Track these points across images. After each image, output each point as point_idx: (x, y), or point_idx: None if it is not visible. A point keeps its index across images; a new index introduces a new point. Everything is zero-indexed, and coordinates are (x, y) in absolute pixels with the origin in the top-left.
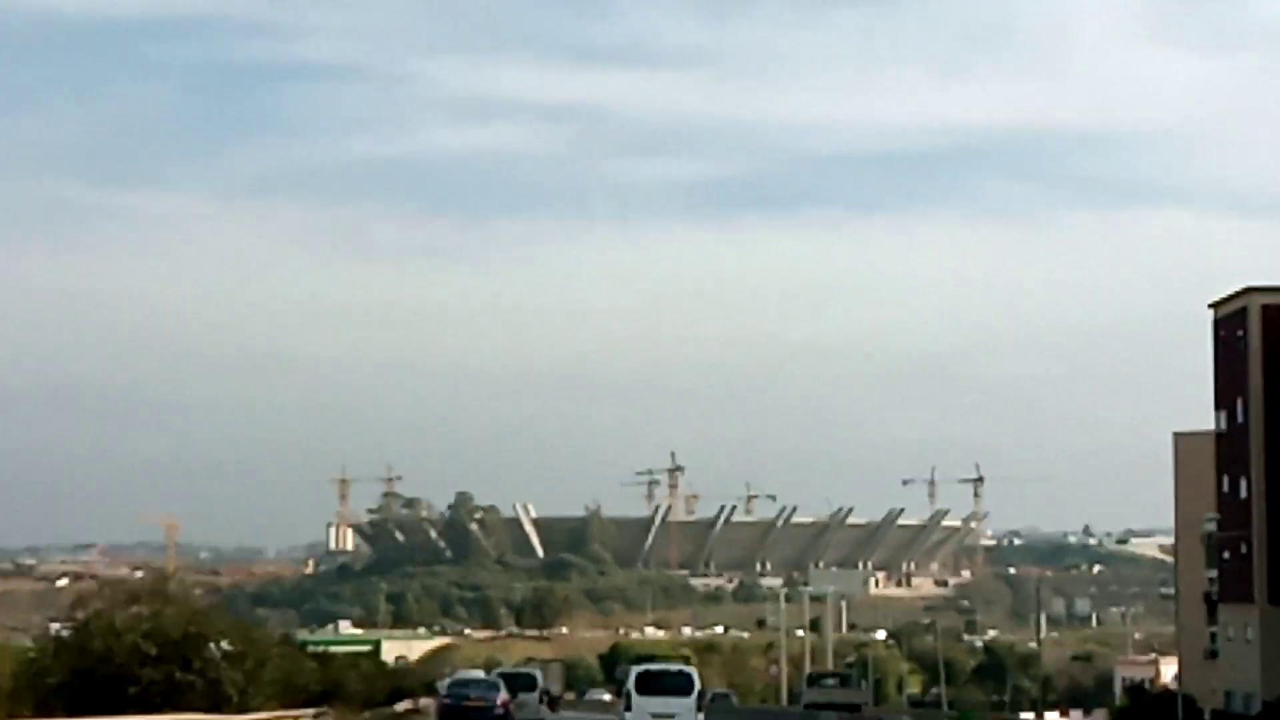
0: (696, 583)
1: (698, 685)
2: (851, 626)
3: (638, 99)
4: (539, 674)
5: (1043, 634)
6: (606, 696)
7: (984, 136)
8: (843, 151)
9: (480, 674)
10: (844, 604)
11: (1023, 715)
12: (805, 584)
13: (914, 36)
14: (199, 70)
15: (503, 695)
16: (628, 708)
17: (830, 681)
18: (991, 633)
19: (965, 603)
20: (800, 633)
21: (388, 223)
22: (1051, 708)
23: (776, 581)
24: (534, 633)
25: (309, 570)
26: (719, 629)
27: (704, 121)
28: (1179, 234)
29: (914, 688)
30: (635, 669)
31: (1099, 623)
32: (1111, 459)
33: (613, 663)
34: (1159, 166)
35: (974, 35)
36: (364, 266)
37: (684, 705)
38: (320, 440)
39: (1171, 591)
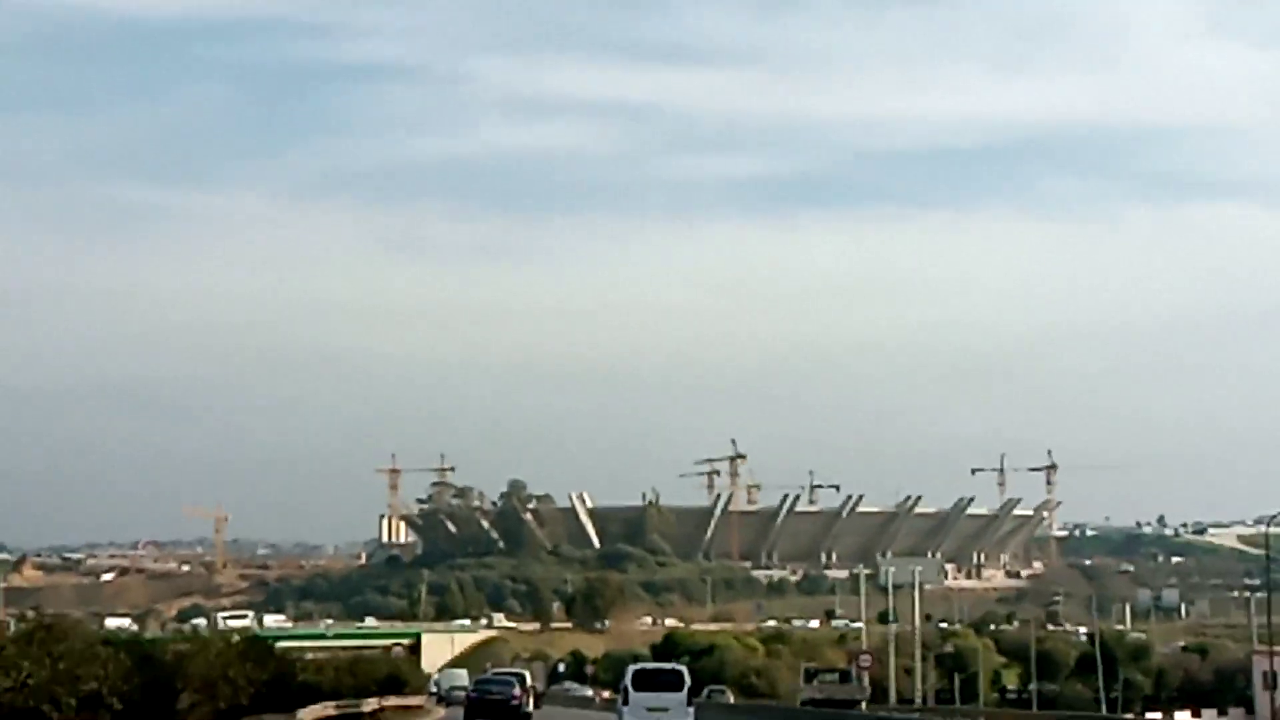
0: (759, 574)
1: (688, 682)
2: (927, 618)
3: (692, 96)
4: (527, 674)
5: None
6: (588, 692)
7: (1042, 131)
8: (899, 147)
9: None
10: (916, 595)
11: (1150, 717)
12: (873, 572)
13: (970, 31)
14: (256, 71)
15: (518, 690)
16: (625, 702)
17: (829, 677)
18: (1077, 626)
19: (1053, 593)
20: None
21: (442, 222)
22: (1170, 706)
23: (842, 573)
24: (584, 625)
25: (361, 563)
26: (772, 622)
27: (759, 118)
28: (1239, 229)
29: (1009, 681)
30: (632, 668)
31: (1186, 614)
32: (1181, 451)
33: (668, 655)
34: (1218, 161)
35: (1031, 29)
36: (419, 265)
37: (676, 700)
38: (377, 437)
39: (1258, 581)
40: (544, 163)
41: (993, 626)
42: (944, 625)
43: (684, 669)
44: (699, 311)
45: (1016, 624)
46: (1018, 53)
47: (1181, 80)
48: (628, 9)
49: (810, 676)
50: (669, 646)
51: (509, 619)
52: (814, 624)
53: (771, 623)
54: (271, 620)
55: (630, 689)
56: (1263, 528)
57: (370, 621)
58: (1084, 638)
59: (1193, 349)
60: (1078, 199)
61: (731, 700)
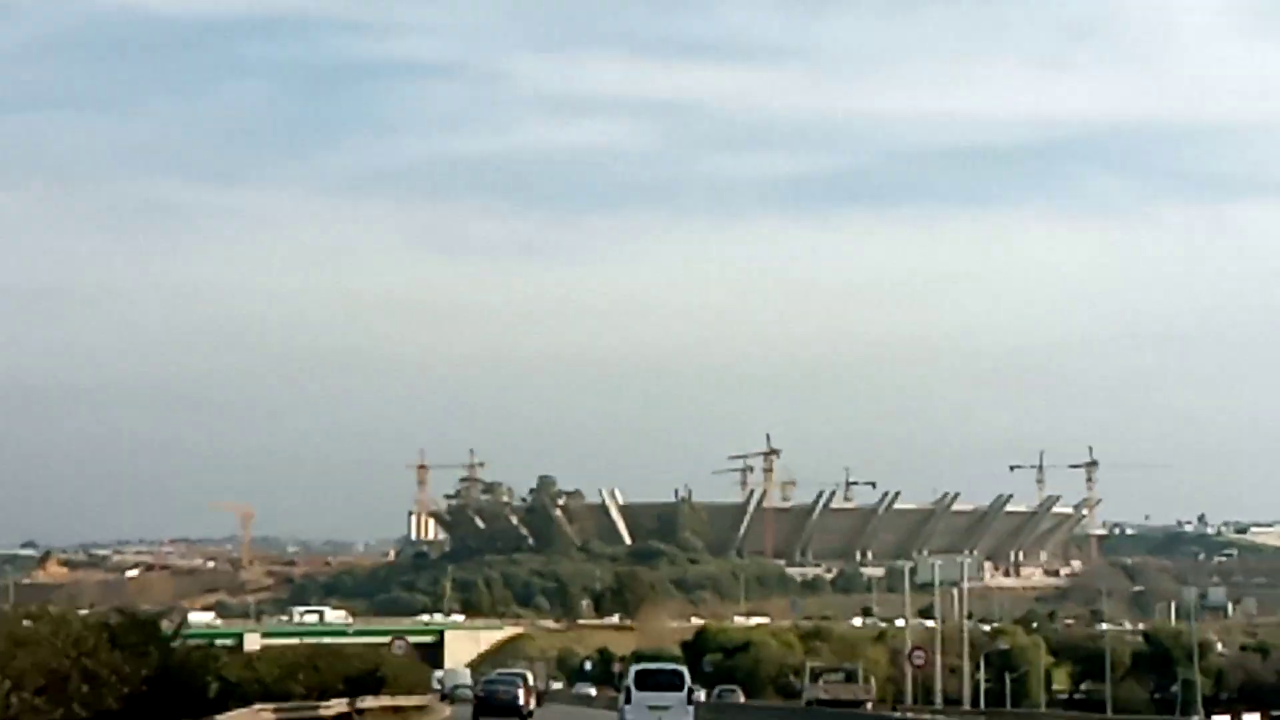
0: (793, 571)
1: (688, 682)
2: (968, 616)
3: (732, 94)
4: (529, 674)
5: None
6: (593, 691)
7: (1082, 130)
8: (940, 145)
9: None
10: (955, 592)
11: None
12: (913, 568)
13: (1012, 29)
14: (295, 69)
15: (523, 689)
16: (627, 701)
17: (834, 676)
18: (1124, 623)
19: (1096, 591)
20: (928, 621)
21: (481, 219)
22: (1233, 707)
23: (878, 571)
24: (613, 621)
25: (390, 560)
26: (807, 620)
27: (799, 116)
28: (1276, 227)
29: (1059, 683)
30: (635, 668)
31: (1229, 614)
32: (1223, 451)
33: (699, 652)
34: (1260, 160)
35: (1073, 27)
36: (458, 263)
37: (676, 699)
38: (409, 434)
39: None
40: (581, 161)
41: (1034, 625)
42: (984, 624)
43: (684, 669)
44: (735, 309)
45: (1070, 621)
46: (1057, 50)
47: (1224, 79)
48: (665, 7)
49: (815, 676)
50: (701, 643)
51: (538, 616)
52: (856, 621)
53: (806, 621)
54: (312, 616)
55: (632, 688)
56: None
57: (396, 618)
58: (1135, 636)
59: (1233, 348)
60: (1118, 198)
61: (741, 700)
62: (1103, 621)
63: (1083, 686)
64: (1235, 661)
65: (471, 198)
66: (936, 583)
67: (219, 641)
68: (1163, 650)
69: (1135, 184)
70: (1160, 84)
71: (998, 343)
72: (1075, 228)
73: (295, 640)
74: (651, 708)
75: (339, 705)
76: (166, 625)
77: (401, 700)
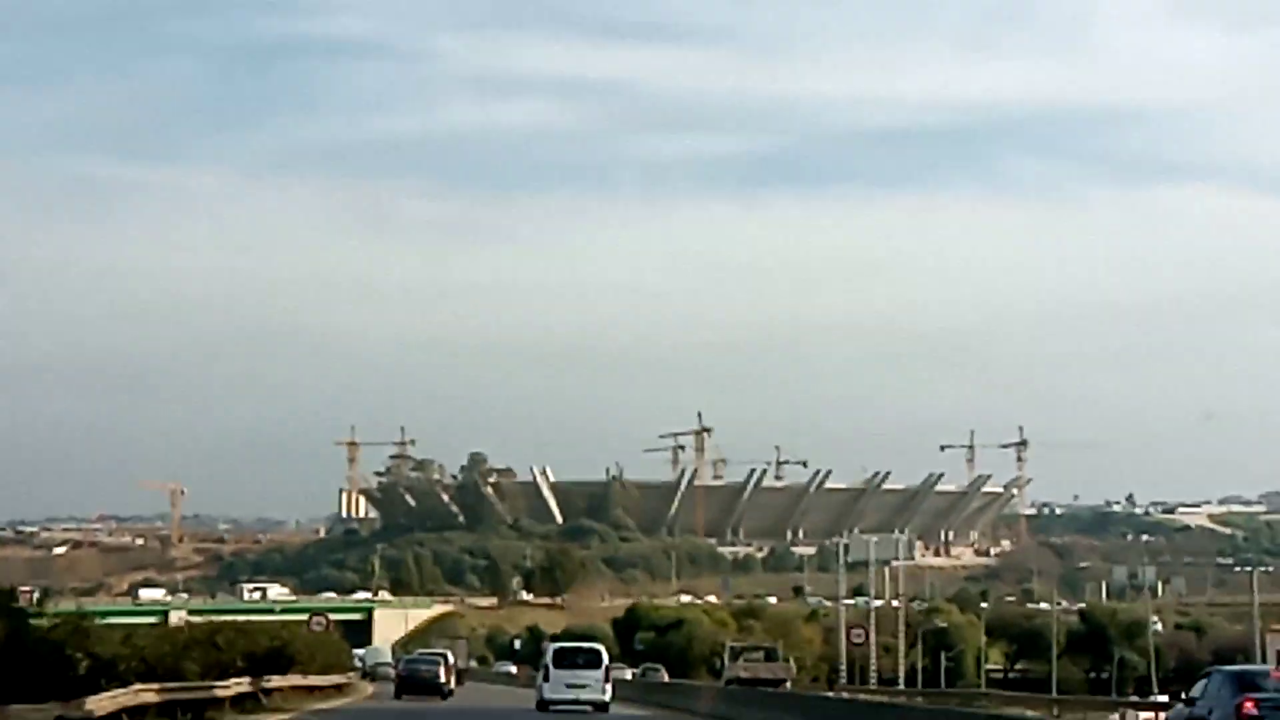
0: (724, 550)
1: (606, 660)
2: (898, 594)
3: (662, 75)
4: (450, 654)
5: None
6: (514, 669)
7: (1009, 113)
8: (868, 128)
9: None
10: (887, 571)
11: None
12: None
13: (939, 12)
14: (221, 47)
15: (444, 668)
16: (546, 678)
17: (754, 655)
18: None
19: (1026, 570)
20: (862, 600)
21: (411, 199)
22: (1172, 686)
23: (809, 550)
24: (544, 600)
25: (320, 538)
26: (738, 598)
27: (729, 97)
28: (1205, 211)
29: (994, 662)
30: (553, 646)
31: (1159, 593)
32: (1151, 431)
33: (631, 630)
34: (1183, 143)
35: (998, 11)
36: (387, 242)
37: (594, 677)
38: (340, 413)
39: (1230, 561)
40: (512, 141)
41: (982, 604)
42: (915, 603)
43: (602, 649)
44: (667, 289)
45: (1013, 598)
46: (986, 34)
47: (1147, 63)
48: None
49: (736, 655)
50: (632, 621)
51: (469, 594)
52: (832, 601)
53: (739, 600)
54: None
55: (550, 666)
56: (1232, 507)
57: (328, 596)
58: (1070, 615)
59: (1160, 329)
60: (1044, 180)
61: (665, 679)
62: (1034, 601)
63: (1018, 665)
64: (1170, 640)
65: (400, 177)
66: (872, 561)
67: (143, 619)
68: (1098, 629)
69: (1059, 167)
70: (1084, 68)
71: (927, 323)
72: (1001, 210)
73: (221, 618)
74: (570, 685)
75: (240, 685)
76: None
77: (316, 679)
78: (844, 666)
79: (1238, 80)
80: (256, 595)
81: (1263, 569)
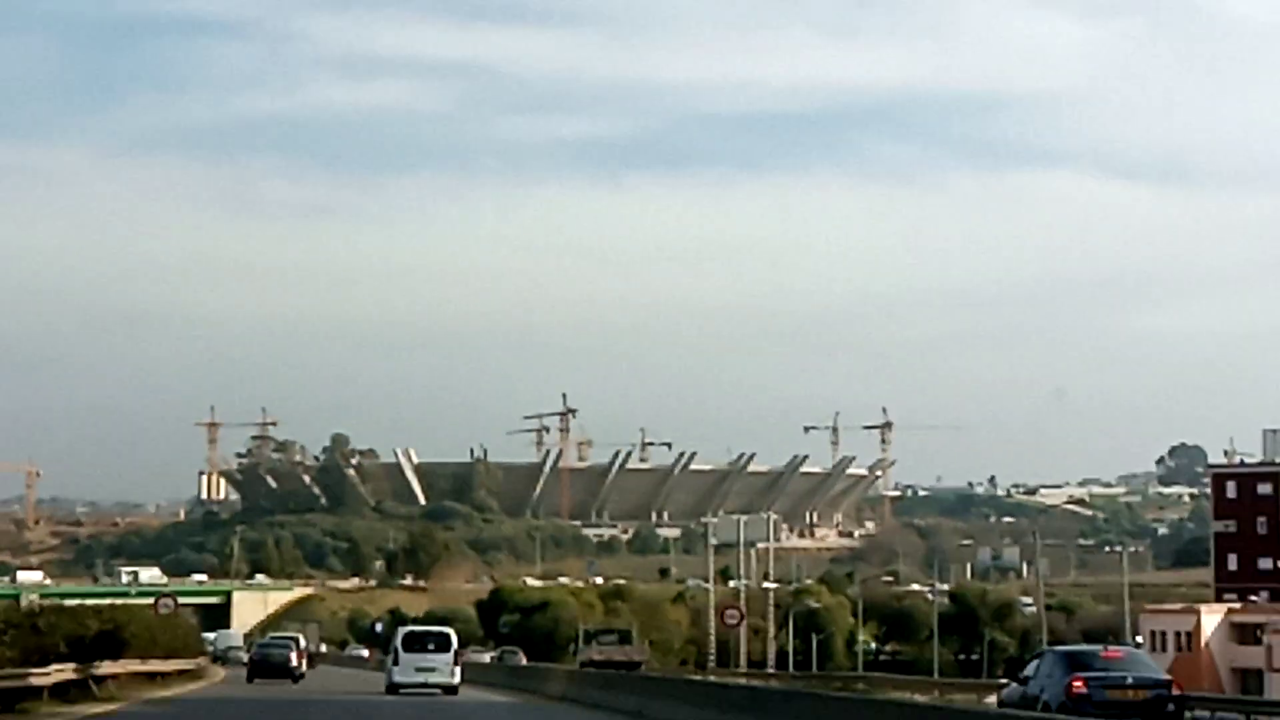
0: (589, 532)
1: (455, 644)
2: (765, 576)
3: (526, 57)
4: (301, 638)
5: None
6: (365, 653)
7: (873, 98)
8: (731, 111)
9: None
10: (754, 553)
11: None
12: (716, 528)
13: None
14: (82, 25)
15: (295, 652)
16: (395, 662)
17: (608, 638)
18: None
19: (891, 551)
20: (731, 582)
21: (274, 180)
22: None
23: (674, 531)
24: (407, 582)
25: (179, 520)
26: (600, 580)
27: (592, 80)
28: (1065, 196)
29: (864, 642)
30: (402, 630)
31: (1022, 574)
32: (1012, 414)
33: (494, 613)
34: (1042, 129)
35: None
36: (250, 223)
37: (443, 660)
38: (202, 395)
39: (1091, 542)
40: (376, 122)
41: (856, 584)
42: (783, 584)
43: (451, 632)
44: (531, 272)
45: (889, 579)
46: (846, 19)
47: (1010, 49)
48: None
49: (590, 638)
50: (497, 603)
51: (330, 576)
52: (710, 584)
53: (602, 580)
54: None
55: (400, 650)
56: (1092, 489)
57: (200, 578)
58: (940, 597)
59: (1021, 313)
60: (908, 165)
61: (523, 661)
62: (899, 583)
63: (887, 647)
64: (1039, 621)
65: (264, 158)
66: (741, 542)
67: None
68: (969, 610)
69: (922, 152)
70: (946, 55)
71: (791, 306)
72: (865, 194)
73: (77, 601)
74: (419, 669)
75: (64, 672)
76: None
77: (157, 665)
78: (713, 649)
79: (1095, 68)
80: (128, 579)
81: (1128, 550)
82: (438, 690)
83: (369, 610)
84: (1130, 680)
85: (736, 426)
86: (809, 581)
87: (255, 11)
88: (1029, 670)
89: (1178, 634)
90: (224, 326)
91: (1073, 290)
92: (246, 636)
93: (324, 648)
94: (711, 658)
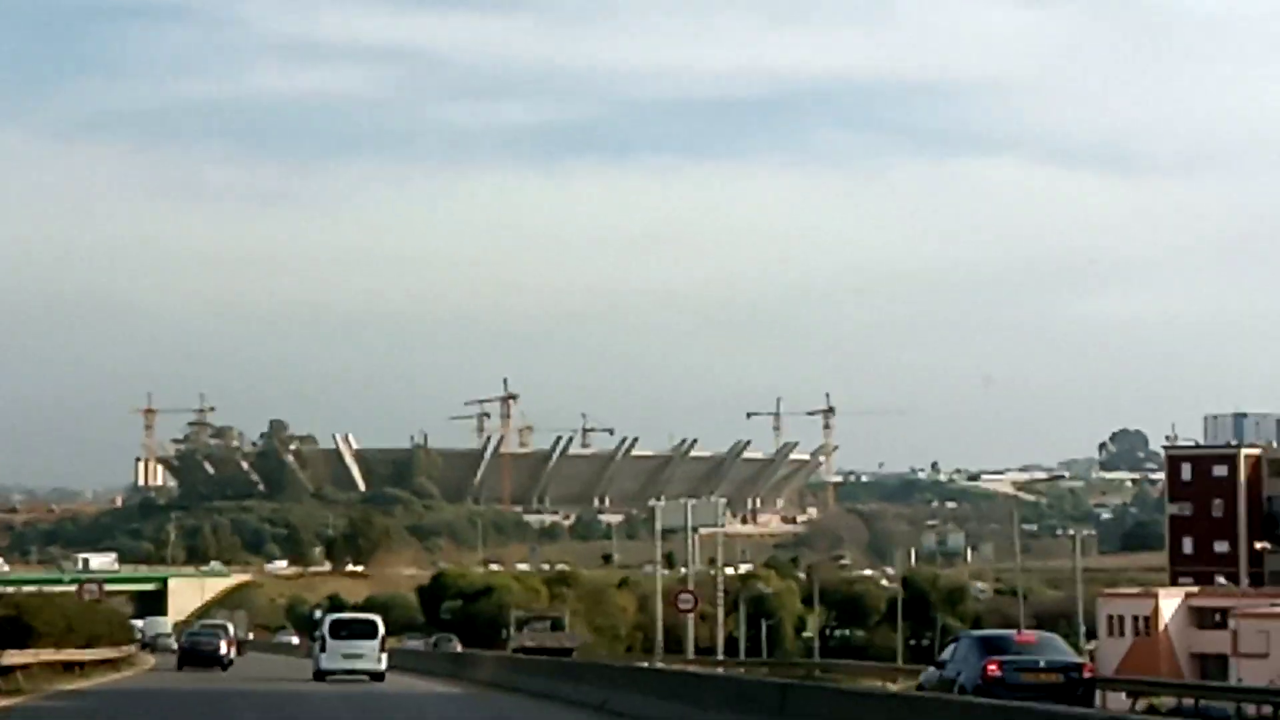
0: (530, 518)
1: (382, 631)
2: (710, 561)
3: (466, 43)
4: (230, 625)
5: (902, 567)
6: (295, 639)
7: (814, 84)
8: (674, 97)
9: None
10: (697, 538)
11: None
12: (662, 512)
13: None
14: (22, 7)
15: (225, 640)
16: (322, 649)
17: (540, 625)
18: (885, 568)
19: (836, 537)
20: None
21: (215, 165)
22: None
23: (617, 517)
24: (347, 569)
25: (116, 507)
26: (546, 565)
27: (533, 66)
28: (1008, 183)
29: (812, 630)
30: (329, 617)
31: (966, 559)
32: (954, 399)
33: (435, 599)
34: (986, 116)
35: None
36: (190, 209)
37: (370, 647)
38: (139, 382)
39: (1035, 528)
40: (318, 107)
41: (805, 570)
42: (731, 568)
43: (378, 619)
44: (471, 258)
45: (846, 562)
46: (788, 5)
47: (953, 36)
48: None
49: (521, 625)
50: (438, 589)
51: (269, 563)
52: (656, 569)
53: (546, 565)
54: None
55: (327, 637)
56: (1034, 474)
57: (141, 567)
58: (887, 582)
59: (962, 299)
60: (852, 151)
61: (458, 649)
62: (846, 569)
63: (837, 633)
64: (992, 607)
65: (205, 143)
66: (689, 525)
67: None
68: (920, 595)
69: (867, 138)
70: (892, 41)
71: (733, 292)
72: (807, 180)
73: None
74: (346, 655)
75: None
76: None
77: (74, 654)
78: (660, 635)
79: (1038, 55)
80: (79, 566)
81: (1071, 535)
82: (365, 676)
83: (308, 597)
84: (1042, 664)
85: (678, 412)
86: (748, 568)
87: None
88: (946, 654)
89: (1135, 618)
90: (161, 312)
91: (1015, 276)
92: (179, 624)
93: (252, 635)
94: (660, 645)
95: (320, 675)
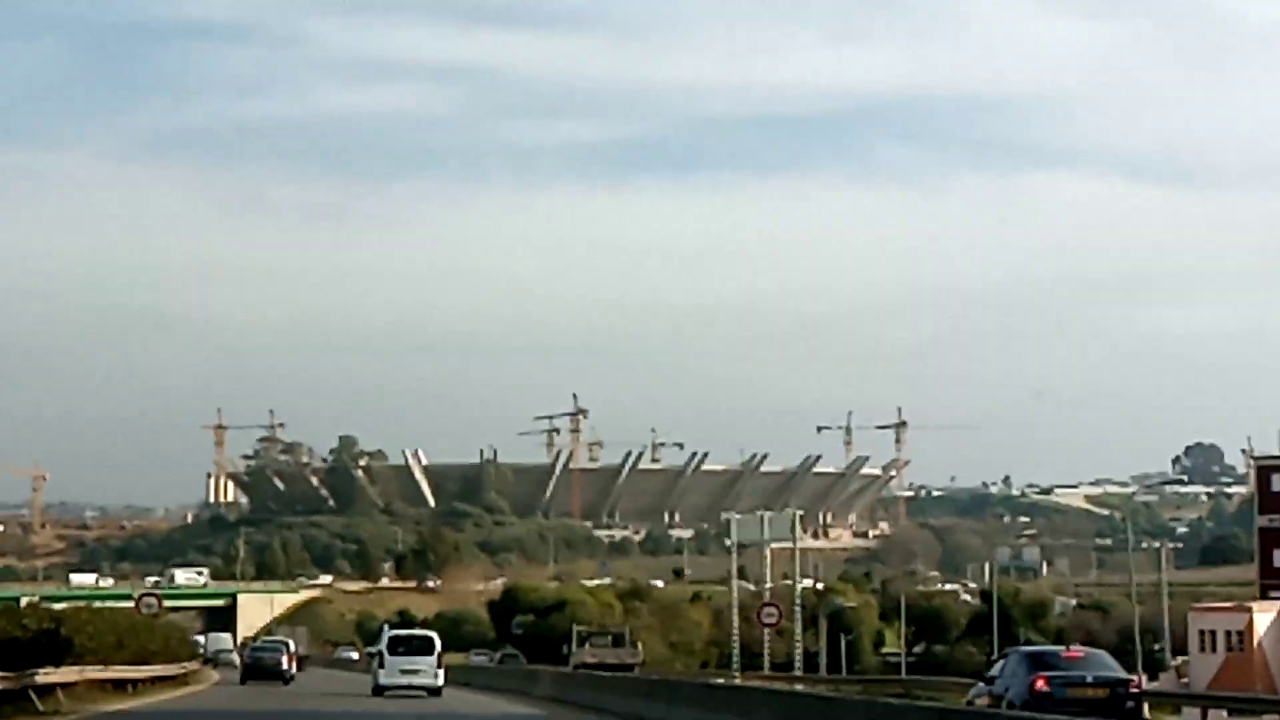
0: (600, 534)
1: (439, 647)
2: (784, 576)
3: (532, 60)
4: (291, 641)
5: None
6: (355, 655)
7: (877, 99)
8: (738, 114)
9: (221, 637)
10: (768, 553)
11: None
12: (738, 526)
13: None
14: (89, 28)
15: (286, 655)
16: (381, 665)
17: (602, 640)
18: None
19: (909, 552)
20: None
21: (281, 184)
22: None
23: (687, 532)
24: (415, 584)
25: (187, 523)
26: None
27: (598, 83)
28: (1070, 197)
29: (890, 645)
30: (387, 634)
31: (1041, 574)
32: (1026, 413)
33: (507, 614)
34: (1049, 130)
35: None
36: (256, 228)
37: (428, 662)
38: (212, 397)
39: (1109, 542)
40: (383, 126)
41: (878, 585)
42: (811, 582)
43: (434, 635)
44: (539, 275)
45: (938, 577)
46: (853, 21)
47: (1014, 50)
48: None
49: (583, 641)
50: (509, 603)
51: (337, 579)
52: (732, 582)
53: (620, 581)
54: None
55: (385, 653)
56: (1106, 488)
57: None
58: (968, 596)
59: (1031, 313)
60: (913, 167)
61: (524, 664)
62: (918, 583)
63: (916, 649)
64: (1075, 622)
65: (271, 162)
66: (766, 537)
67: None
68: (1001, 610)
69: (928, 153)
70: (953, 55)
71: (803, 306)
72: (873, 195)
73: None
74: (404, 671)
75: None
76: None
77: (122, 671)
78: (737, 650)
79: (1099, 68)
80: (186, 580)
81: (1154, 548)
82: (423, 692)
83: (377, 612)
84: (1090, 679)
85: (749, 427)
86: (835, 581)
87: (264, 15)
88: (995, 670)
89: (1228, 633)
90: (231, 329)
91: (1082, 289)
92: (247, 639)
93: (312, 651)
94: (736, 660)
95: (379, 690)
